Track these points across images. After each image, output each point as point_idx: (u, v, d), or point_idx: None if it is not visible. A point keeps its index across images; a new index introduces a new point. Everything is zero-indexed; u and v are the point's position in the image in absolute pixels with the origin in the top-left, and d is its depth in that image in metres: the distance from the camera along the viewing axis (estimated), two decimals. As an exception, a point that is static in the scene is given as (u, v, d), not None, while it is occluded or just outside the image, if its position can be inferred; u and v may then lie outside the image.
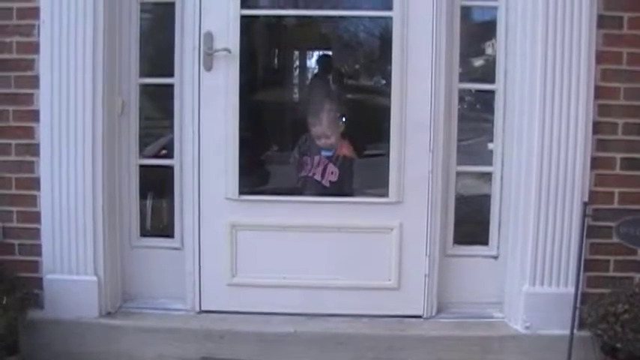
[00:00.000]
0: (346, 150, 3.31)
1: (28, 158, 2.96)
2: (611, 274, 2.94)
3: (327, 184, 3.26)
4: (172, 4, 3.02)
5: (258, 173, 3.49)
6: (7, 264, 2.91)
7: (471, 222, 3.21)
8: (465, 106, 3.25)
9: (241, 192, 3.05)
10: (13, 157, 2.97)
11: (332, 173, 3.27)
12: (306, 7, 3.29)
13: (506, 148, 3.04)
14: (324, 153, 3.30)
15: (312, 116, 3.36)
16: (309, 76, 4.33)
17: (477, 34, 3.20)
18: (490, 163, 3.09)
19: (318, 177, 3.28)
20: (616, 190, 2.91)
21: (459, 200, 3.14)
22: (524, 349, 2.91)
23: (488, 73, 3.10)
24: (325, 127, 3.28)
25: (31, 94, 2.92)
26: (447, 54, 2.97)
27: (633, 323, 2.58)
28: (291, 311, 3.06)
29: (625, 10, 2.82)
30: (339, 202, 3.11)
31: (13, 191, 2.98)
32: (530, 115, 2.86)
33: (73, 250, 2.95)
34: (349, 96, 3.93)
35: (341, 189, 3.26)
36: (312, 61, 4.25)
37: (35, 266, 2.99)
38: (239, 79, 2.98)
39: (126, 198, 3.12)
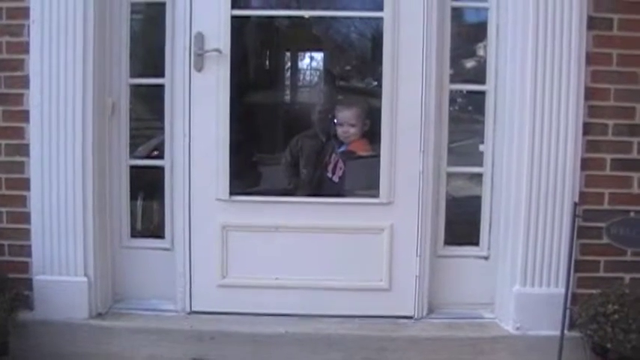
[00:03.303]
0: (358, 148, 3.31)
1: (18, 159, 2.94)
2: (601, 274, 2.95)
3: (337, 180, 3.26)
4: (163, 5, 3.02)
5: (249, 174, 3.49)
6: (-4, 265, 2.91)
7: (462, 223, 3.21)
8: (456, 107, 3.26)
9: (232, 193, 3.05)
10: (2, 158, 2.95)
11: (340, 169, 3.27)
12: (298, 8, 3.29)
13: (496, 149, 3.04)
14: (339, 149, 3.32)
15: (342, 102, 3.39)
16: (301, 77, 4.33)
17: (467, 35, 3.20)
18: (481, 164, 3.10)
19: (329, 174, 3.27)
20: (606, 191, 2.92)
21: (450, 201, 3.14)
22: (514, 349, 2.91)
23: (479, 74, 3.11)
24: (353, 115, 3.29)
25: (21, 95, 2.90)
26: (438, 55, 2.97)
27: (623, 323, 2.59)
28: (283, 312, 3.05)
29: (615, 11, 2.83)
30: (331, 203, 3.11)
31: (3, 191, 2.97)
32: (521, 116, 2.87)
33: (63, 250, 2.94)
34: (340, 97, 3.94)
35: (344, 188, 3.27)
36: (303, 62, 4.26)
37: (25, 267, 2.97)
38: (230, 80, 2.98)
39: (116, 198, 3.10)
